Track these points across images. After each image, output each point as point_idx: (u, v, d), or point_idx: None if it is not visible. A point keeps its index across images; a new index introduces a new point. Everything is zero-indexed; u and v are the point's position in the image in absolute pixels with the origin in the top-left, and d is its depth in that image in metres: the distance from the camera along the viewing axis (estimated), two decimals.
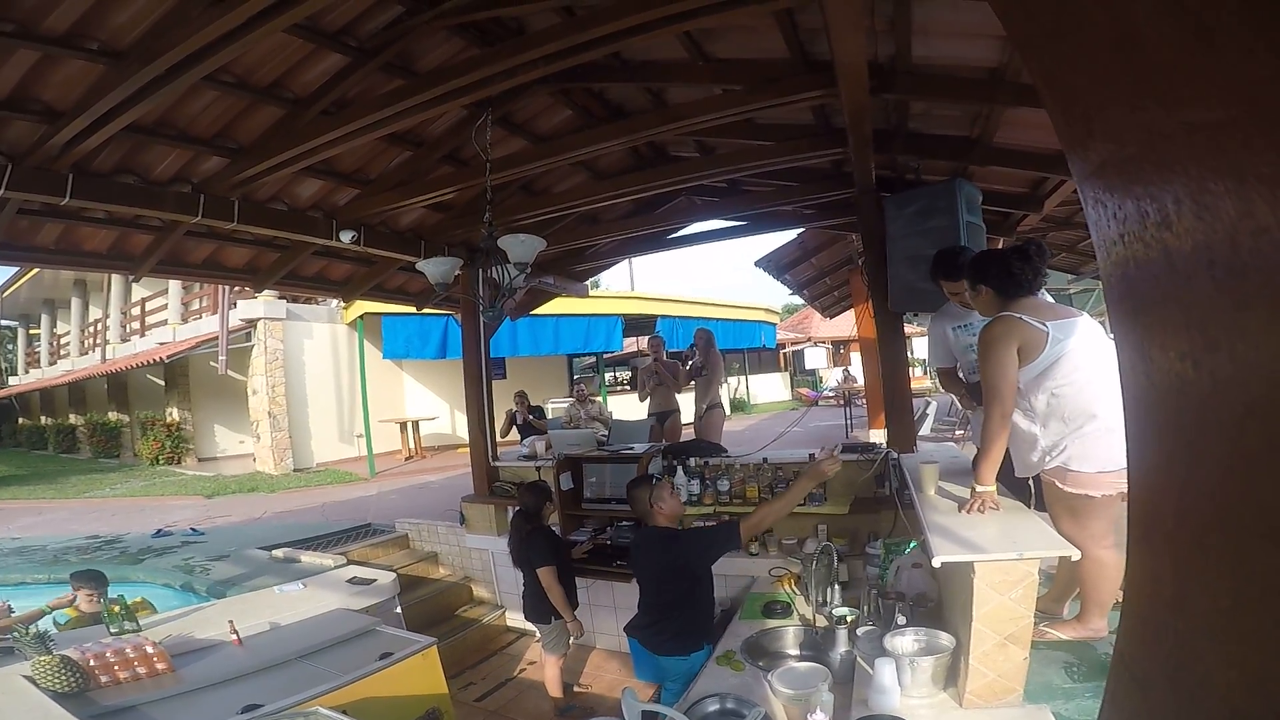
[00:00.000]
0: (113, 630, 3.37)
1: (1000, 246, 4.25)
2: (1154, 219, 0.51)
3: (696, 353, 7.03)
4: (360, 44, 3.27)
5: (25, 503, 11.01)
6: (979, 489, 2.39)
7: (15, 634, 3.22)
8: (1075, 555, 2.01)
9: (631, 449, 4.88)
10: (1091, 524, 2.33)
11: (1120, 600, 2.34)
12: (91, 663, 2.97)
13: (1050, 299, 2.60)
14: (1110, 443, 2.26)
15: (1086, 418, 2.29)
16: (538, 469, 5.43)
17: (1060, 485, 2.38)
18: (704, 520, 4.51)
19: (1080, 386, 2.29)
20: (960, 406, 10.93)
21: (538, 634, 4.35)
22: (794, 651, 3.08)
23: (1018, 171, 4.24)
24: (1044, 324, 2.30)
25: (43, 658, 2.90)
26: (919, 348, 19.48)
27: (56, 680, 2.83)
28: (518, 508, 4.24)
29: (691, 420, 7.10)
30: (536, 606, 4.22)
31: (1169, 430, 0.58)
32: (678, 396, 7.47)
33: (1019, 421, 2.42)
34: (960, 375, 3.29)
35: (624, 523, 4.73)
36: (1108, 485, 2.28)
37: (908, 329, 5.92)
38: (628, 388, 17.79)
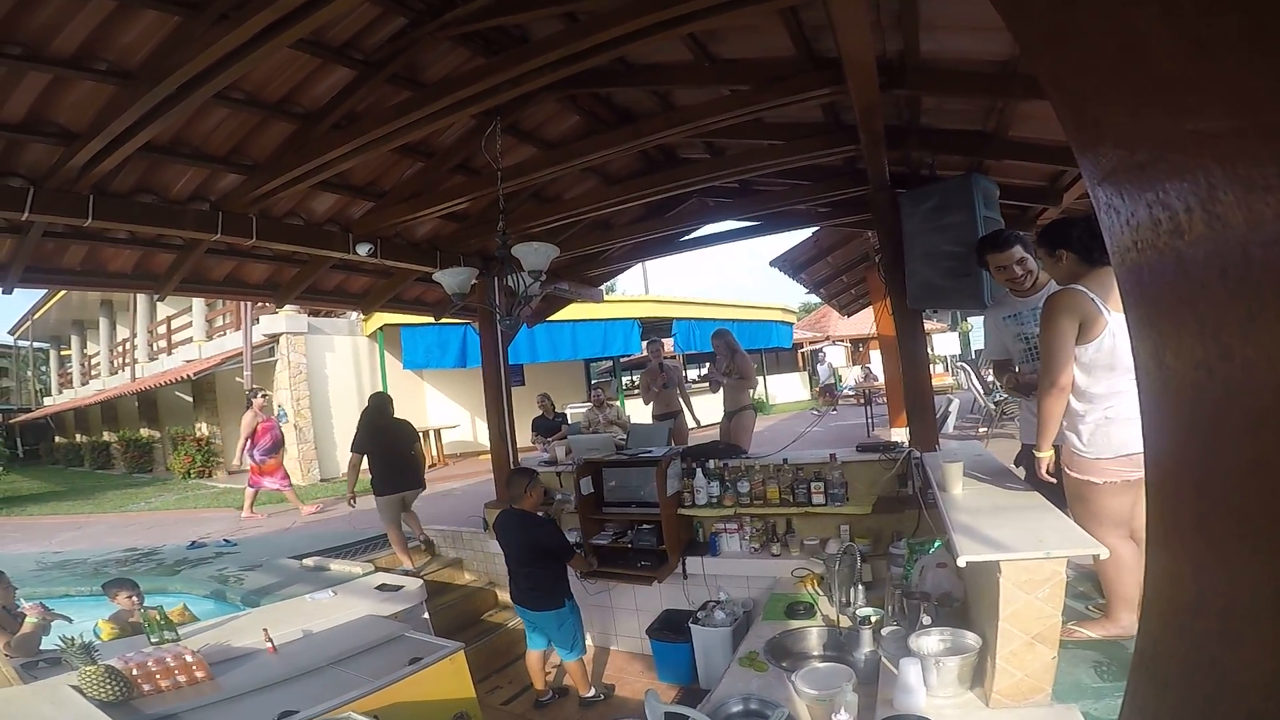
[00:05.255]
0: (153, 640, 3.45)
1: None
2: (1166, 226, 0.51)
3: (720, 359, 6.77)
4: (366, 57, 3.31)
5: (65, 518, 11.21)
6: (1037, 455, 2.46)
7: (62, 644, 3.31)
8: (1104, 554, 1.98)
9: (650, 452, 4.88)
10: (1100, 512, 2.33)
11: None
12: (134, 672, 3.06)
13: None
14: (1109, 432, 2.28)
15: (1092, 407, 2.31)
16: (558, 474, 5.46)
17: (1068, 470, 2.42)
18: (724, 522, 4.51)
19: (1109, 381, 2.28)
20: (982, 403, 10.80)
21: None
22: (818, 652, 3.08)
23: (1035, 165, 4.17)
24: (1109, 311, 2.27)
25: (89, 668, 3.00)
26: (939, 345, 19.28)
27: (102, 689, 2.92)
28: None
29: (719, 422, 6.95)
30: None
31: (1185, 436, 0.57)
32: (679, 400, 7.42)
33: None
34: (1014, 367, 3.25)
35: (645, 526, 4.73)
36: (1109, 472, 2.29)
37: (927, 325, 5.86)
38: None
